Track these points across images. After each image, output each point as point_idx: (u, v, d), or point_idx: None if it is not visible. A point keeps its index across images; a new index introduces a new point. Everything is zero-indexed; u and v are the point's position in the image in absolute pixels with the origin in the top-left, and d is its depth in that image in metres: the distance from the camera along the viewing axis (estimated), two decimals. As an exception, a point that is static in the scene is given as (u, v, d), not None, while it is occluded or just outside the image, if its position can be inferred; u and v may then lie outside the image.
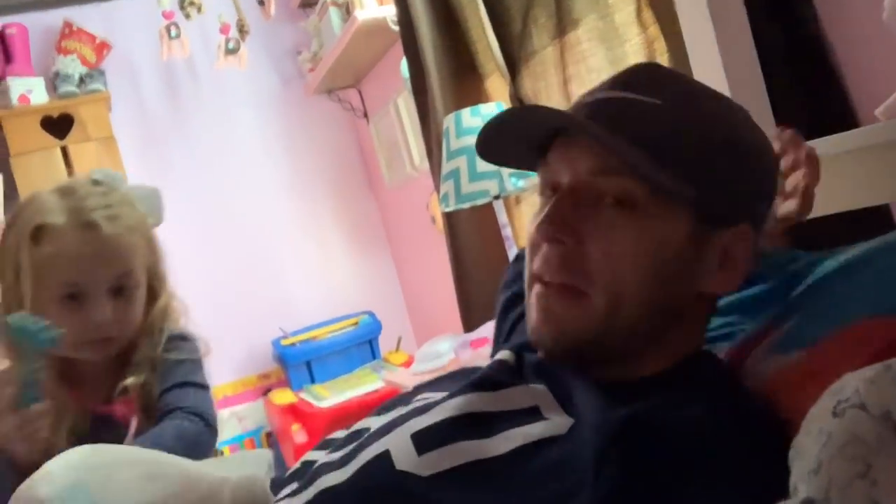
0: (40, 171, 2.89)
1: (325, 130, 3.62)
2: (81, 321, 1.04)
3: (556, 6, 1.77)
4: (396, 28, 2.49)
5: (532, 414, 0.68)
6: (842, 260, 0.73)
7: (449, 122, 1.94)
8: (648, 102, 0.70)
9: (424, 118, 2.43)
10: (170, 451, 0.83)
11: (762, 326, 0.76)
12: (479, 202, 1.93)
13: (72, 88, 3.10)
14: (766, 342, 0.73)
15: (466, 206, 1.96)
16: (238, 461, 0.80)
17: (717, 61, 1.15)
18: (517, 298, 0.94)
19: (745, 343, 0.77)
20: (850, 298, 0.68)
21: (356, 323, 3.37)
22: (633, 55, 1.58)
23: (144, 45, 3.30)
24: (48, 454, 0.72)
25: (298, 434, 2.80)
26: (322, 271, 3.56)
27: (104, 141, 3.05)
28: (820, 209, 0.97)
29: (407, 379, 2.05)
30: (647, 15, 1.53)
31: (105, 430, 1.06)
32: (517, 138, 0.75)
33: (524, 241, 0.78)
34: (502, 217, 1.96)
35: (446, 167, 1.92)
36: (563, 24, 1.76)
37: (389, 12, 2.61)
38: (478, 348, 1.84)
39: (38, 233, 1.06)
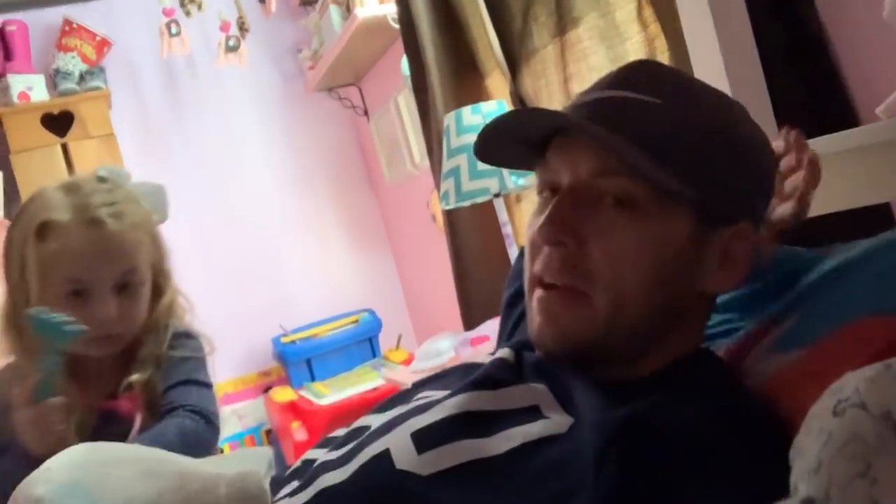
0: (40, 168, 2.90)
1: (325, 128, 3.62)
2: (86, 318, 1.04)
3: (556, 4, 1.77)
4: (397, 26, 2.49)
5: (532, 413, 0.68)
6: (842, 259, 0.72)
7: (449, 120, 1.94)
8: (647, 101, 0.70)
9: (425, 116, 2.43)
10: (172, 448, 0.83)
11: (762, 324, 0.76)
12: (480, 200, 1.93)
13: (72, 86, 3.10)
14: (765, 341, 0.73)
15: (467, 204, 1.96)
16: (238, 459, 0.81)
17: (717, 59, 1.15)
18: (520, 295, 0.94)
19: (745, 341, 0.77)
20: (851, 297, 0.67)
21: (356, 321, 3.37)
22: (634, 53, 1.58)
23: (145, 42, 3.30)
24: (62, 447, 0.72)
25: (298, 432, 2.80)
26: (322, 269, 3.56)
27: (104, 138, 3.05)
28: (820, 208, 0.97)
29: (407, 377, 2.05)
30: (648, 13, 1.53)
31: (110, 425, 1.07)
32: (515, 139, 0.75)
33: (524, 240, 0.77)
34: (503, 215, 1.96)
35: (447, 165, 1.92)
36: (563, 23, 1.76)
37: (390, 10, 2.61)
38: (478, 346, 1.84)
39: (44, 229, 1.06)
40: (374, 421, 0.77)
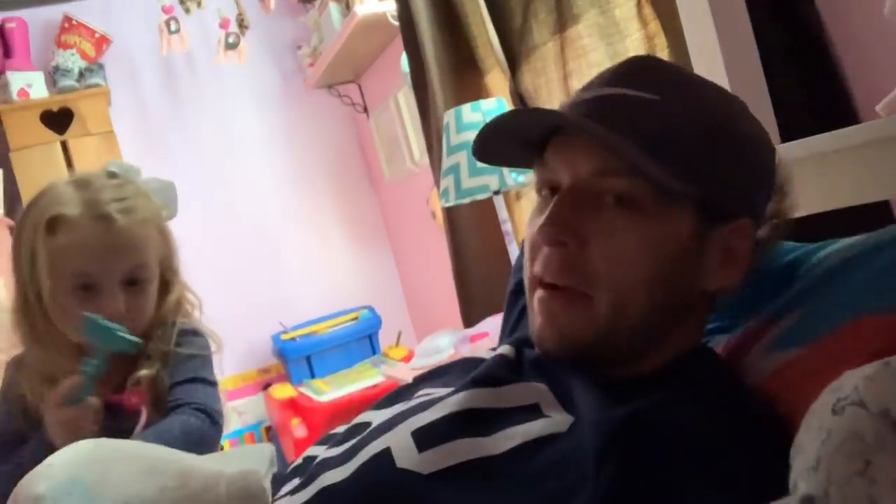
0: (40, 165, 2.89)
1: (324, 125, 3.62)
2: (94, 312, 1.05)
3: (556, 1, 1.77)
4: (396, 23, 2.49)
5: (533, 411, 0.68)
6: (841, 256, 0.72)
7: (449, 117, 1.93)
8: (646, 98, 0.69)
9: (424, 113, 2.42)
10: (176, 445, 0.83)
11: (761, 322, 0.76)
12: (479, 197, 1.93)
13: (71, 83, 3.09)
14: (765, 339, 0.73)
15: (466, 201, 1.96)
16: (239, 456, 0.81)
17: (717, 57, 1.15)
18: (522, 288, 0.94)
19: (744, 338, 0.77)
20: (851, 296, 0.67)
21: (356, 318, 3.37)
22: (634, 51, 1.58)
23: (144, 39, 3.30)
24: None
25: (298, 428, 2.81)
26: (322, 266, 3.56)
27: (104, 136, 3.05)
28: (821, 205, 0.97)
29: (407, 374, 2.05)
30: (648, 11, 1.53)
31: (115, 419, 1.07)
32: (513, 138, 0.74)
33: (524, 237, 0.77)
34: (502, 212, 1.96)
35: (446, 162, 1.92)
36: (563, 20, 1.76)
37: (389, 7, 2.61)
38: (477, 343, 1.84)
39: (53, 223, 1.07)
40: (375, 418, 0.77)
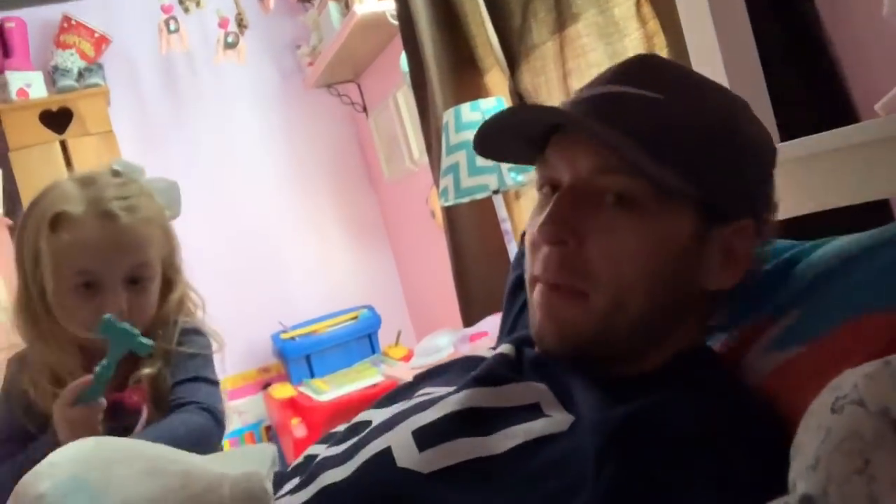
0: (39, 165, 2.89)
1: (324, 125, 3.62)
2: (96, 310, 1.05)
3: (555, 0, 1.77)
4: (395, 22, 2.49)
5: (533, 410, 0.68)
6: (840, 255, 0.72)
7: (448, 116, 1.93)
8: (648, 96, 0.69)
9: (424, 113, 2.42)
10: (180, 443, 0.84)
11: (759, 321, 0.76)
12: (479, 197, 1.93)
13: (70, 83, 3.09)
14: (764, 338, 0.73)
15: (466, 200, 1.96)
16: (241, 456, 0.81)
17: (716, 56, 1.15)
18: (521, 284, 0.94)
19: (743, 337, 0.77)
20: (852, 294, 0.67)
21: (355, 317, 3.37)
22: (633, 50, 1.58)
23: (143, 39, 3.30)
24: None
25: (298, 428, 2.81)
26: (321, 265, 3.56)
27: (103, 135, 3.05)
28: (820, 204, 0.97)
29: (406, 373, 2.05)
30: (647, 10, 1.53)
31: (116, 417, 1.08)
32: (515, 134, 0.74)
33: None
34: (502, 212, 1.96)
35: (446, 162, 1.92)
36: (562, 19, 1.76)
37: (388, 6, 2.61)
38: (476, 342, 1.85)
39: (57, 220, 1.08)
40: (375, 417, 0.77)
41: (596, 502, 0.56)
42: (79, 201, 1.09)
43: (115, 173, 1.15)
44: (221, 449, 1.15)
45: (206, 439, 1.06)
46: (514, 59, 1.96)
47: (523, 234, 1.10)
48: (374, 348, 3.34)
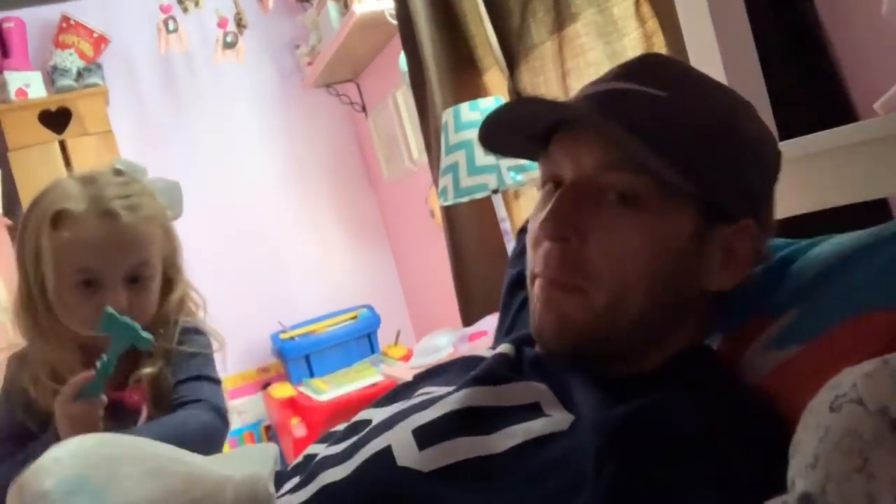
0: (38, 165, 2.89)
1: (323, 124, 3.62)
2: (97, 308, 1.06)
3: (554, 0, 1.77)
4: (394, 22, 2.49)
5: (533, 410, 0.68)
6: (839, 254, 0.72)
7: (448, 116, 1.93)
8: (652, 94, 0.69)
9: (423, 112, 2.42)
10: (189, 440, 0.84)
11: (758, 319, 0.76)
12: (478, 196, 1.93)
13: (69, 82, 3.09)
14: (763, 337, 0.73)
15: (465, 200, 1.96)
16: (242, 456, 0.80)
17: (715, 56, 1.15)
18: (519, 282, 0.94)
19: (743, 336, 0.77)
20: (851, 293, 0.67)
21: (355, 317, 3.37)
22: (632, 49, 1.58)
23: (142, 39, 3.30)
24: None
25: (297, 428, 2.81)
26: (321, 265, 3.56)
27: (102, 135, 3.05)
28: (820, 203, 0.97)
29: (406, 373, 2.05)
30: (646, 9, 1.53)
31: (116, 415, 1.08)
32: (518, 129, 0.74)
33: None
34: (501, 211, 1.96)
35: (445, 161, 1.92)
36: (561, 18, 1.76)
37: (387, 6, 2.61)
38: (476, 342, 1.85)
39: (58, 218, 1.08)
40: (375, 416, 0.76)
41: (596, 502, 0.56)
42: (80, 199, 1.09)
43: (117, 172, 1.15)
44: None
45: (214, 438, 1.07)
46: (513, 59, 1.96)
47: (519, 231, 1.10)
48: (373, 348, 3.34)
